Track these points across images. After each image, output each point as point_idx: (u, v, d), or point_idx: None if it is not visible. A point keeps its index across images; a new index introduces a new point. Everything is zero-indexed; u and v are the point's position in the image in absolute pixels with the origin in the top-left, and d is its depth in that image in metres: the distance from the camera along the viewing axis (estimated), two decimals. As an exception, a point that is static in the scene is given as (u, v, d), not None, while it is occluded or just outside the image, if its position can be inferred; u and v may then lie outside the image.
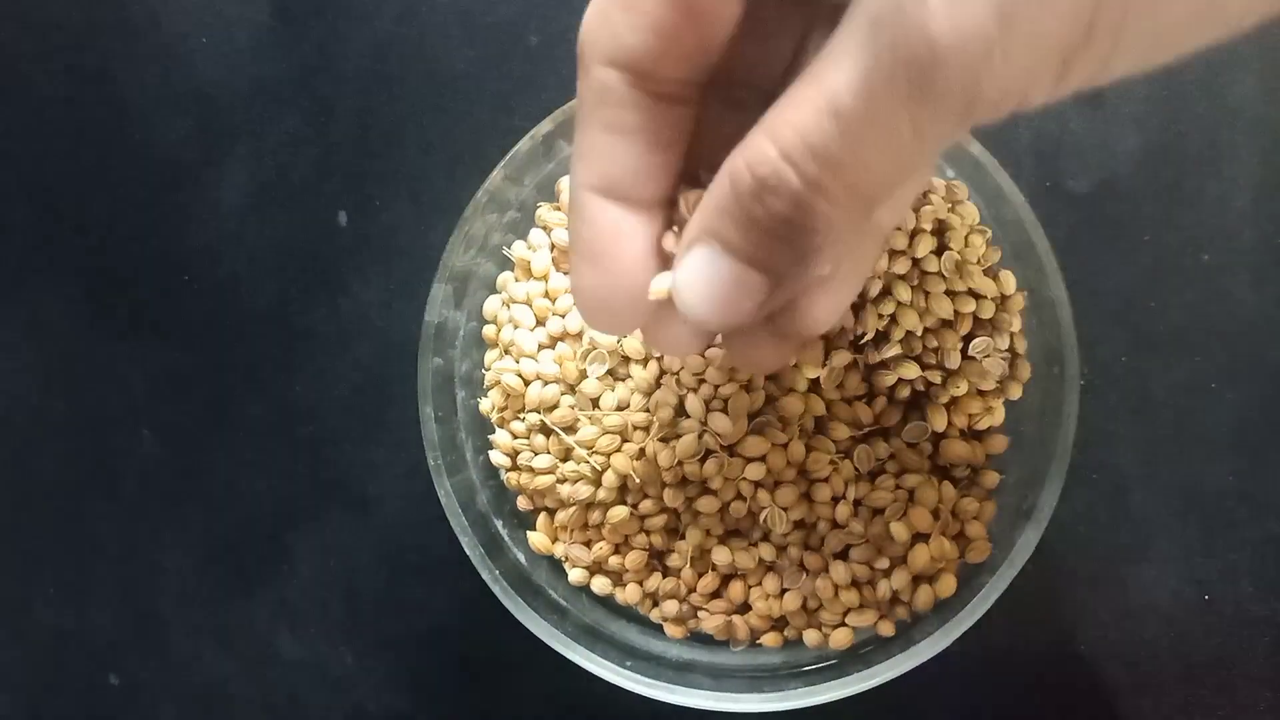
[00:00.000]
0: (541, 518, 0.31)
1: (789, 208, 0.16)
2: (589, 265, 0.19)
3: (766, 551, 0.29)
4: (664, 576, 0.30)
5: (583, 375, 0.30)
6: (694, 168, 0.20)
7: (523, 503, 0.31)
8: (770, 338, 0.21)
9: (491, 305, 0.31)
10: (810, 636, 0.29)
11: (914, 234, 0.28)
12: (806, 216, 0.16)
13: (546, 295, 0.31)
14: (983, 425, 0.29)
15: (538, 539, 0.31)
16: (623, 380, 0.29)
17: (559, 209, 0.31)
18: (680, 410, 0.29)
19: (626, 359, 0.29)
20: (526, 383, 0.30)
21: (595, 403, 0.30)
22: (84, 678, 0.37)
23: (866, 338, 0.29)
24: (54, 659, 0.37)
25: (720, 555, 0.29)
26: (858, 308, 0.29)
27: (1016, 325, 0.29)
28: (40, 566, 0.37)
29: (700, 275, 0.18)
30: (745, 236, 0.17)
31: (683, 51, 0.18)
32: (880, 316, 0.29)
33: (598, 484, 0.29)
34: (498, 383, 0.30)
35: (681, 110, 0.19)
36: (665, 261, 0.20)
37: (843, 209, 0.16)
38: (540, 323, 0.31)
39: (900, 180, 0.16)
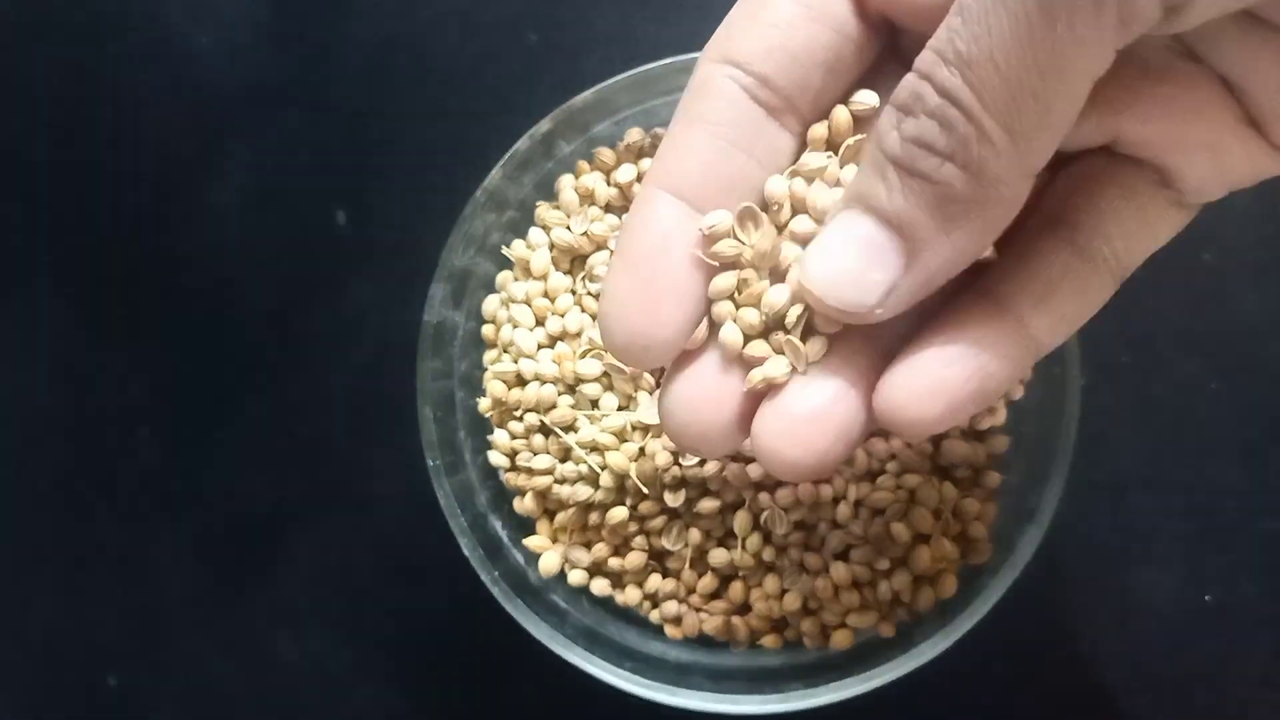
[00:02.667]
0: (541, 519, 0.31)
1: (926, 125, 0.15)
2: (628, 271, 0.17)
3: (767, 552, 0.29)
4: (663, 578, 0.30)
5: (583, 355, 0.29)
6: None
7: (520, 505, 0.31)
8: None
9: (490, 305, 0.31)
10: (810, 638, 0.29)
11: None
12: (945, 133, 0.15)
13: (546, 295, 0.31)
14: (984, 425, 0.29)
15: (537, 541, 0.31)
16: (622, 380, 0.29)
17: (558, 208, 0.31)
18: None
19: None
20: (524, 383, 0.30)
21: (595, 403, 0.30)
22: (82, 678, 0.37)
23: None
24: (52, 659, 0.37)
25: (718, 556, 0.29)
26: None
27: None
28: (38, 566, 0.37)
29: (829, 241, 0.16)
30: (882, 180, 0.16)
31: (799, 67, 0.17)
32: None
33: (596, 485, 0.29)
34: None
35: (781, 133, 0.18)
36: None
37: (983, 124, 0.15)
38: (539, 322, 0.31)
39: (1042, 93, 0.14)
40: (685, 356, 0.18)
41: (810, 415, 0.17)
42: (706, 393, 0.18)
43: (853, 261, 0.16)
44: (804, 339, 0.18)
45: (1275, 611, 0.32)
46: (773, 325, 0.18)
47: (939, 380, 0.17)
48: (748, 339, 0.18)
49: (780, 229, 0.18)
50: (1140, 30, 0.14)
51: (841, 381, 0.18)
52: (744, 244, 0.18)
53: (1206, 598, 0.33)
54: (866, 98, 0.18)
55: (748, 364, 0.18)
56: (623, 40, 0.35)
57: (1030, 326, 0.17)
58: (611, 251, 0.30)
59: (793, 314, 0.17)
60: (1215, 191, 0.18)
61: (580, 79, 0.30)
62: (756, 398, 0.18)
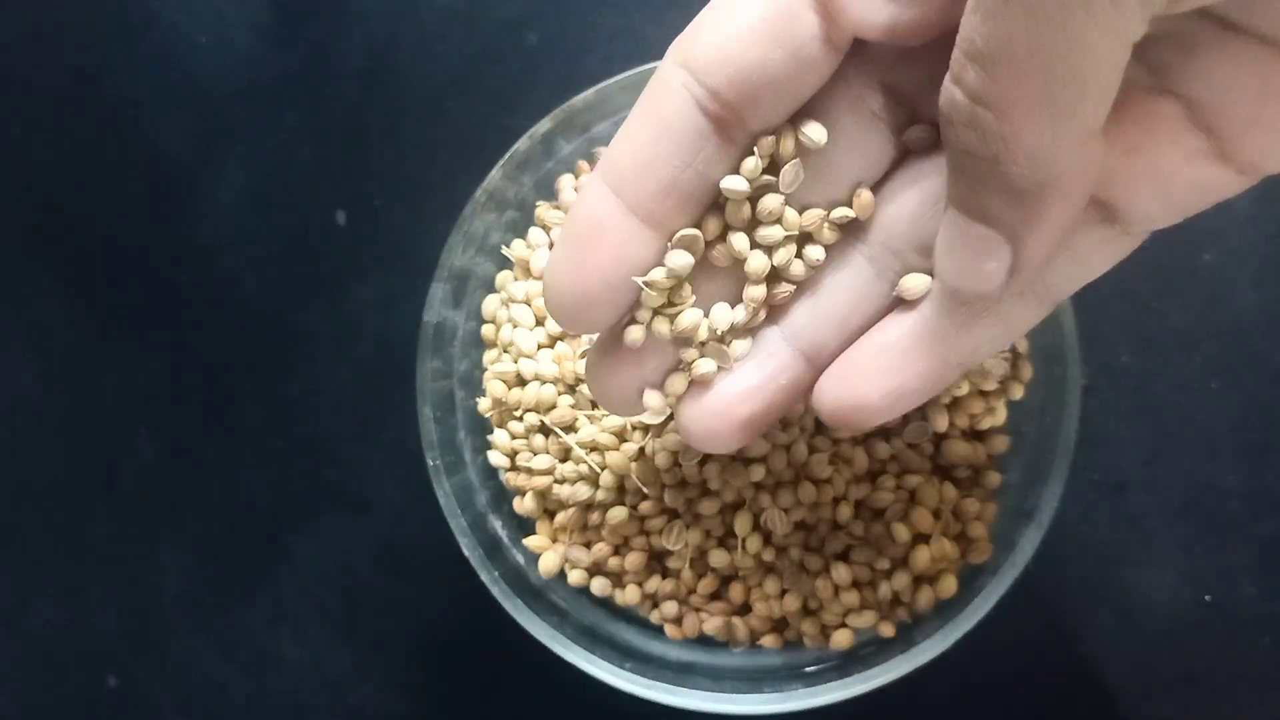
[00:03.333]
0: (541, 519, 0.31)
1: (963, 133, 0.15)
2: (564, 250, 0.19)
3: (767, 553, 0.29)
4: (664, 578, 0.30)
5: (580, 380, 0.29)
6: None
7: (520, 505, 0.31)
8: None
9: (490, 305, 0.31)
10: (810, 638, 0.29)
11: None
12: (980, 138, 0.15)
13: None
14: (984, 425, 0.29)
15: (537, 541, 0.31)
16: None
17: (558, 208, 0.31)
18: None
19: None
20: (524, 383, 0.30)
21: (594, 402, 0.30)
22: (82, 679, 0.37)
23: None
24: (52, 660, 0.37)
25: (718, 557, 0.29)
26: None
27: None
28: (38, 567, 0.37)
29: (945, 239, 0.17)
30: (956, 185, 0.16)
31: (750, 84, 0.17)
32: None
33: (596, 484, 0.29)
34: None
35: (725, 147, 0.18)
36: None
37: (1014, 118, 0.15)
38: (539, 322, 0.31)
39: (1071, 74, 0.14)
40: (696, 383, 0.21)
41: (721, 407, 0.21)
42: (714, 409, 0.21)
43: (966, 257, 0.17)
44: (728, 341, 0.21)
45: (1275, 611, 0.32)
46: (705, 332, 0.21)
47: (855, 402, 0.19)
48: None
49: (738, 225, 0.20)
50: (1159, 9, 0.14)
51: (751, 379, 0.21)
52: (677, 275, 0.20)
53: (1206, 598, 0.33)
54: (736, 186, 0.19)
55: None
56: (623, 40, 0.35)
57: (955, 350, 0.19)
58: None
59: (721, 323, 0.20)
60: (1163, 221, 0.18)
61: (580, 79, 0.30)
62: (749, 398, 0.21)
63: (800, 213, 0.20)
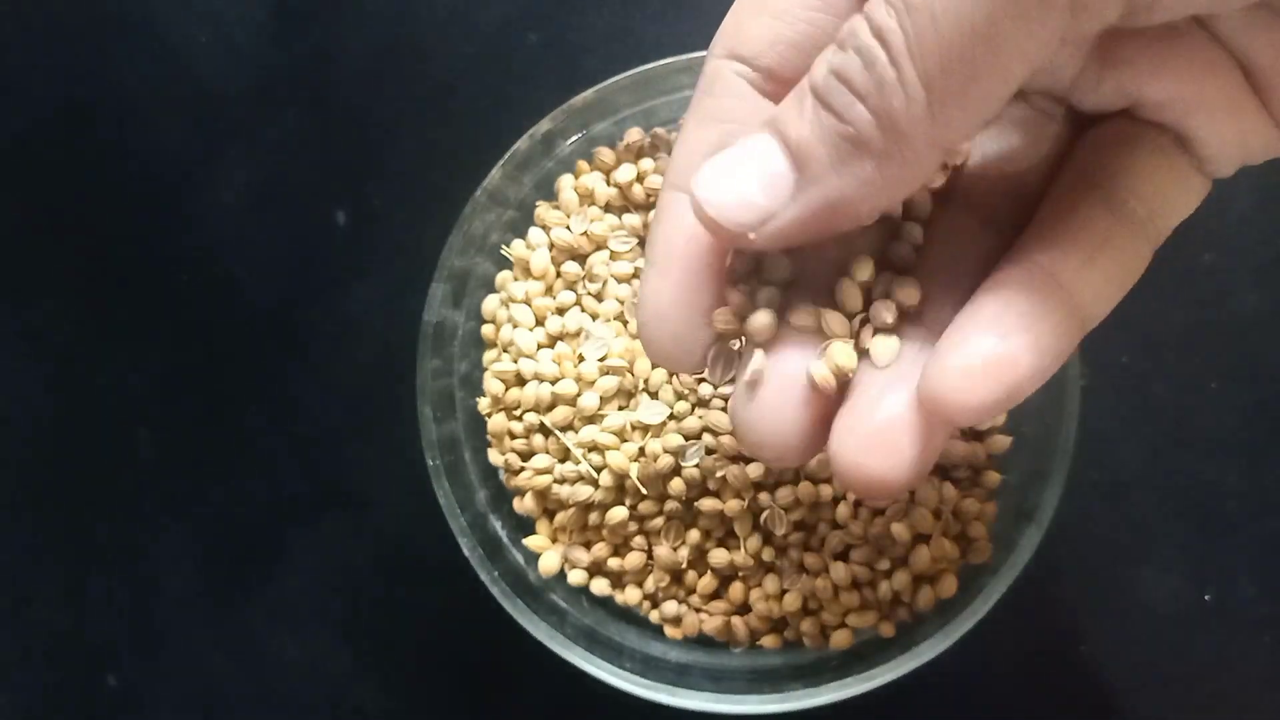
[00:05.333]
0: (541, 519, 0.31)
1: (850, 59, 0.15)
2: (662, 274, 0.17)
3: (767, 552, 0.29)
4: (668, 583, 0.30)
5: (580, 358, 0.29)
6: None
7: (520, 505, 0.31)
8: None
9: (490, 304, 0.31)
10: (810, 638, 0.29)
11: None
12: (865, 70, 0.14)
13: (550, 293, 0.31)
14: (984, 425, 0.29)
15: (537, 541, 0.31)
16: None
17: (557, 208, 0.31)
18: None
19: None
20: (524, 382, 0.30)
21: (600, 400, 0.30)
22: (82, 678, 0.37)
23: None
24: (51, 659, 0.37)
25: (718, 556, 0.29)
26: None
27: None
28: (37, 567, 0.37)
29: (733, 154, 0.16)
30: (799, 108, 0.15)
31: (804, 55, 0.17)
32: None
33: (596, 485, 0.29)
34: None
35: None
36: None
37: (903, 70, 0.14)
38: (539, 322, 0.31)
39: (971, 66, 0.14)
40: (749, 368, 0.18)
41: (891, 421, 0.16)
42: (777, 405, 0.17)
43: (743, 180, 0.16)
44: (871, 337, 0.17)
45: (1275, 611, 0.32)
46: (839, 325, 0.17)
47: (994, 359, 0.15)
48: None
49: None
50: (1093, 25, 0.14)
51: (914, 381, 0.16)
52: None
53: (1206, 597, 0.33)
54: None
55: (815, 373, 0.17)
56: (623, 40, 0.35)
57: (1077, 295, 0.16)
58: (613, 253, 0.30)
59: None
60: (1231, 162, 0.18)
61: (580, 79, 0.30)
62: (829, 401, 0.17)
63: None
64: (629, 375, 0.29)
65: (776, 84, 0.17)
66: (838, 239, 0.17)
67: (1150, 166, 0.18)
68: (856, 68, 0.15)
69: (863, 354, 0.17)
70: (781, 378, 0.17)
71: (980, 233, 0.18)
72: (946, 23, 0.14)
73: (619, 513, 0.29)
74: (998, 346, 0.15)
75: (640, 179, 0.30)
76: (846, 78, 0.15)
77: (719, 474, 0.28)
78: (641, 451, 0.29)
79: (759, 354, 0.17)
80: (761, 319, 0.17)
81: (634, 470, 0.28)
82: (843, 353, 0.17)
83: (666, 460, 0.28)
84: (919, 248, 0.18)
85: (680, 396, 0.29)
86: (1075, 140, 0.18)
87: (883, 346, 0.17)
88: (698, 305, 0.17)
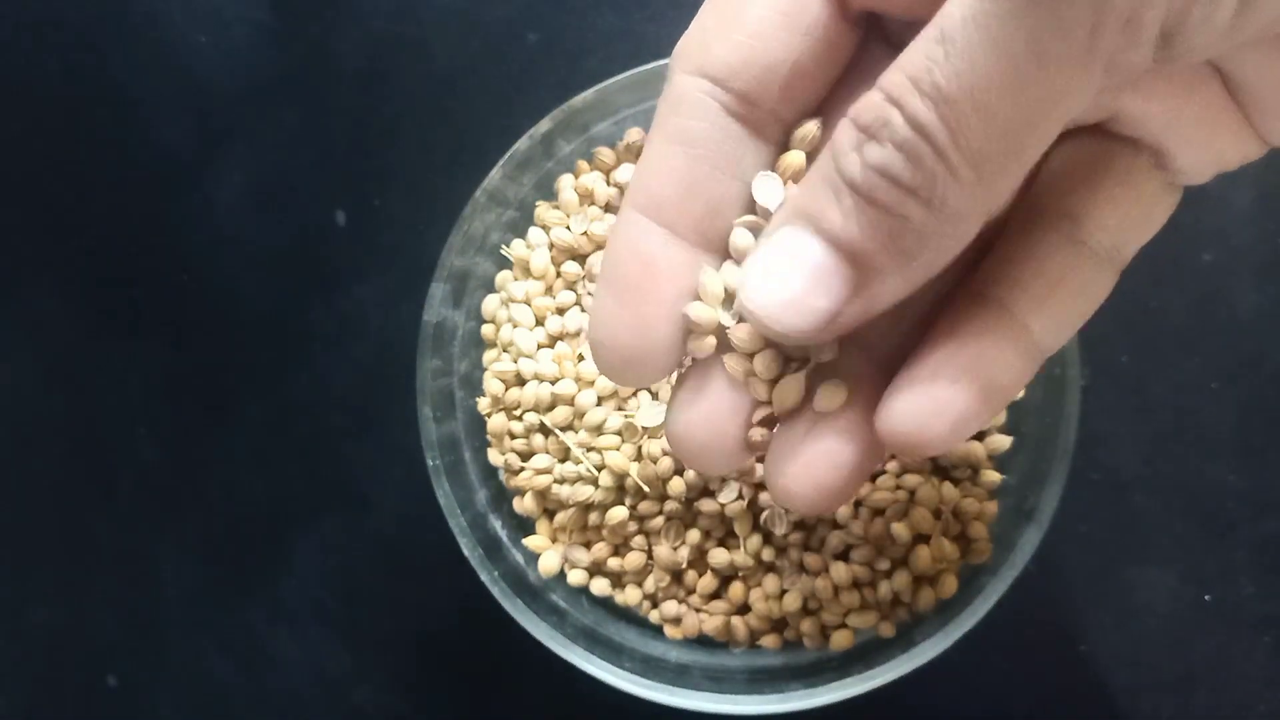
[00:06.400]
0: (540, 519, 0.31)
1: (892, 156, 0.14)
2: (614, 296, 0.17)
3: (767, 552, 0.29)
4: (669, 583, 0.30)
5: (580, 358, 0.29)
6: None
7: (519, 505, 0.31)
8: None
9: (490, 304, 0.31)
10: (810, 638, 0.29)
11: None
12: (911, 167, 0.14)
13: (550, 293, 0.31)
14: (984, 425, 0.29)
15: (537, 541, 0.31)
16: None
17: (557, 208, 0.31)
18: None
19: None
20: (524, 382, 0.30)
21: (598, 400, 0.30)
22: (82, 678, 0.37)
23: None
24: (51, 659, 0.37)
25: (718, 556, 0.29)
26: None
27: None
28: (37, 567, 0.37)
29: (775, 261, 0.15)
30: (838, 205, 0.15)
31: (778, 79, 0.16)
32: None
33: (596, 484, 0.29)
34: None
35: (764, 147, 0.17)
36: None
37: (952, 161, 0.14)
38: (539, 322, 0.31)
39: (1018, 138, 0.14)
40: (690, 376, 0.18)
41: (823, 458, 0.17)
42: (713, 417, 0.18)
43: (796, 286, 0.15)
44: (815, 381, 0.18)
45: (1274, 611, 0.32)
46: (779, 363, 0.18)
47: (944, 401, 0.16)
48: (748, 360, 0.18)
49: None
50: (1123, 80, 0.14)
51: (851, 417, 0.17)
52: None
53: (1206, 597, 0.33)
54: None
55: (754, 389, 0.18)
56: (623, 40, 0.35)
57: (1033, 330, 0.17)
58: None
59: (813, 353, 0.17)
60: (1205, 173, 0.18)
61: (580, 79, 0.30)
62: (764, 420, 0.18)
63: None
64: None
65: (750, 105, 0.17)
66: None
67: (1118, 196, 0.17)
68: (900, 164, 0.14)
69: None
70: (720, 394, 0.18)
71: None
72: (991, 110, 0.13)
73: (619, 513, 0.29)
74: (948, 390, 0.16)
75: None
76: (893, 175, 0.14)
77: (719, 474, 0.28)
78: (640, 451, 0.29)
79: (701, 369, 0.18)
80: (709, 343, 0.17)
81: (634, 470, 0.28)
82: (790, 388, 0.17)
83: (666, 462, 0.28)
84: None
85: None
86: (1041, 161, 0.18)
87: (829, 395, 0.17)
88: (648, 326, 0.17)
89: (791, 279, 0.15)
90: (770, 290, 0.16)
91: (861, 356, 0.18)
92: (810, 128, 0.17)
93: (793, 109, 0.17)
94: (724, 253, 0.17)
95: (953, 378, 0.16)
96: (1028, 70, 0.13)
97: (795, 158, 0.17)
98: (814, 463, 0.17)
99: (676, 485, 0.28)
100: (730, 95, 0.17)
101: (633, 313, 0.17)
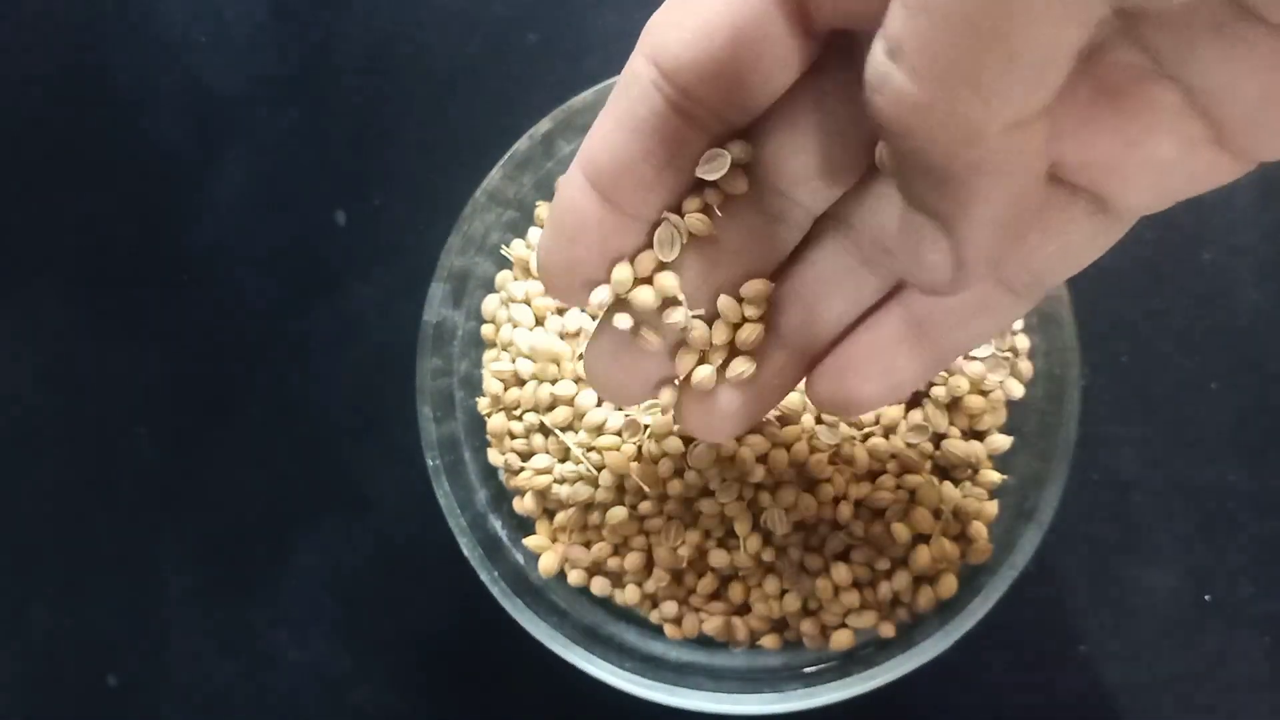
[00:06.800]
0: (540, 519, 0.31)
1: (882, 103, 0.14)
2: (553, 236, 0.19)
3: (767, 553, 0.29)
4: (668, 582, 0.30)
5: (580, 358, 0.29)
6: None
7: (519, 505, 0.31)
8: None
9: (490, 304, 0.31)
10: (810, 638, 0.29)
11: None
12: (900, 108, 0.14)
13: (546, 293, 0.31)
14: (984, 425, 0.29)
15: (537, 541, 0.30)
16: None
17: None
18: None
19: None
20: (524, 382, 0.30)
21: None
22: (81, 678, 0.37)
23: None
24: (51, 659, 0.37)
25: (718, 557, 0.29)
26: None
27: (1018, 325, 0.29)
28: (37, 566, 0.37)
29: (896, 230, 0.17)
30: (892, 164, 0.16)
31: (723, 83, 0.17)
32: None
33: (596, 484, 0.29)
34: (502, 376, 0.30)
35: (700, 139, 0.18)
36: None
37: (929, 86, 0.13)
38: (539, 322, 0.31)
39: (1001, 45, 0.13)
40: (611, 314, 0.20)
41: (725, 413, 0.21)
42: (628, 357, 0.21)
43: (910, 244, 0.16)
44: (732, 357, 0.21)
45: (1275, 611, 0.32)
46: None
47: (856, 394, 0.20)
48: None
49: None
50: None
51: (750, 390, 0.21)
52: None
53: (1206, 597, 0.33)
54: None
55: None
56: (623, 40, 0.34)
57: (944, 348, 0.20)
58: None
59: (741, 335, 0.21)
60: (1156, 208, 0.17)
61: (580, 79, 0.30)
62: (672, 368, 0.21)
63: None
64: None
65: (690, 103, 0.17)
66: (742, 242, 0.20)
67: (1047, 246, 0.18)
68: (893, 110, 0.14)
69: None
70: (636, 344, 0.21)
71: (858, 269, 0.20)
72: (954, 15, 0.13)
73: (619, 513, 0.29)
74: (861, 387, 0.20)
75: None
76: (887, 120, 0.14)
77: (719, 474, 0.28)
78: (641, 451, 0.29)
79: (705, 368, 0.21)
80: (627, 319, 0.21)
81: (634, 470, 0.28)
82: (703, 373, 0.21)
83: (667, 462, 0.28)
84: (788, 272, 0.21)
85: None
86: None
87: (740, 369, 0.21)
88: (578, 264, 0.19)
89: (906, 240, 0.16)
90: (900, 249, 0.17)
91: (774, 340, 0.21)
92: (743, 148, 0.18)
93: (737, 112, 0.18)
94: (646, 223, 0.19)
95: (865, 378, 0.20)
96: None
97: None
98: (718, 406, 0.21)
99: (676, 485, 0.28)
100: (674, 89, 0.17)
101: (566, 254, 0.19)
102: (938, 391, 0.29)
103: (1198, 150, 0.16)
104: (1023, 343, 0.29)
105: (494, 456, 0.31)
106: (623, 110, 0.18)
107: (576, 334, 0.30)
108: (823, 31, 0.17)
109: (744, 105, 0.18)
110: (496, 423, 0.30)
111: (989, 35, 0.13)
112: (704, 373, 0.21)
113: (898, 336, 0.20)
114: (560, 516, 0.30)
